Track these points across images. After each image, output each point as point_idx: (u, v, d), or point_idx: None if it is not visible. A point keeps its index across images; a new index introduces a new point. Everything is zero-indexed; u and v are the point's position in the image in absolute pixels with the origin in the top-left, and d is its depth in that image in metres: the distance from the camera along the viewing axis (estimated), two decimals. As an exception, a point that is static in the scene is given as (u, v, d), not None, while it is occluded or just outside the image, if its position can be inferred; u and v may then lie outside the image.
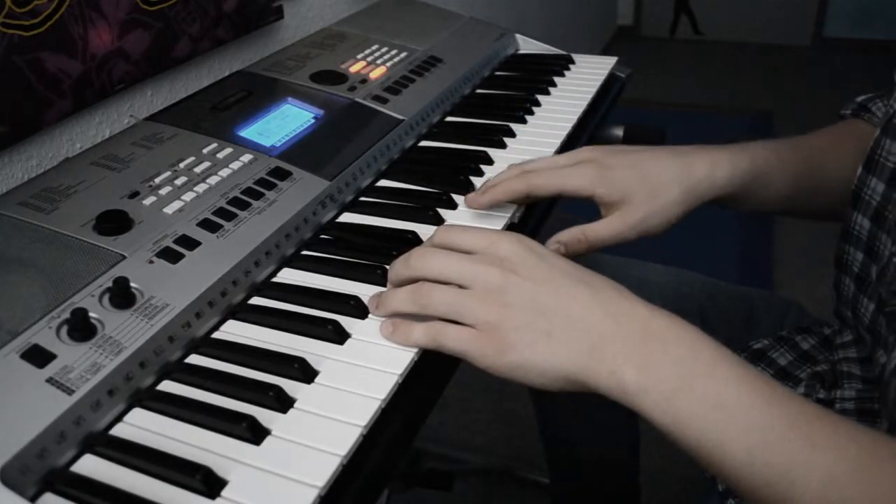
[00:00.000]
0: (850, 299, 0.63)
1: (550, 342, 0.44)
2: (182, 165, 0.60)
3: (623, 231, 0.58)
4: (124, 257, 0.50)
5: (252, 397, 0.44)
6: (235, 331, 0.50)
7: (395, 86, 0.79)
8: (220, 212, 0.55)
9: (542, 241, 0.51)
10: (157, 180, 0.57)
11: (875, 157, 0.59)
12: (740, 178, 0.60)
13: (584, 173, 0.58)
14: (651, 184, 0.58)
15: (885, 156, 0.58)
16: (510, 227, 0.62)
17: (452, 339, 0.46)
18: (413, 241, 0.58)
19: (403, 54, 0.86)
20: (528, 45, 1.01)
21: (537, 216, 0.65)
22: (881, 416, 0.55)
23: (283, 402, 0.43)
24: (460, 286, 0.47)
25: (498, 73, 0.94)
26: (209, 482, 0.38)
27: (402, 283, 0.50)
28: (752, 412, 0.40)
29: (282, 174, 0.61)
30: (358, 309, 0.51)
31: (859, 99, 0.69)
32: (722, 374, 0.41)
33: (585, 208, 0.60)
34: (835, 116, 0.71)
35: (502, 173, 0.62)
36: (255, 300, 0.53)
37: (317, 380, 0.45)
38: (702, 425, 0.41)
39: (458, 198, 0.64)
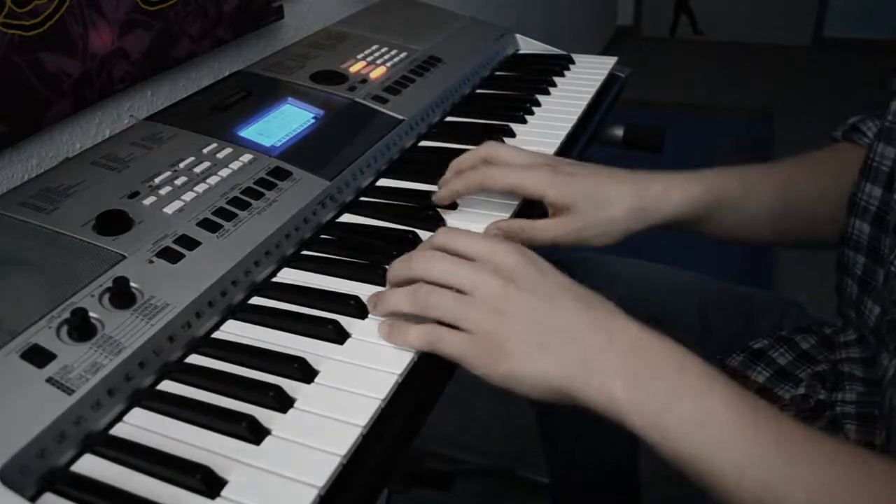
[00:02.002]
0: (854, 301, 0.63)
1: (544, 354, 0.45)
2: (182, 165, 0.60)
3: (559, 235, 0.59)
4: (124, 257, 0.50)
5: (252, 397, 0.44)
6: (235, 331, 0.50)
7: (395, 86, 0.79)
8: (220, 212, 0.55)
9: (540, 252, 0.51)
10: (157, 180, 0.57)
11: (869, 163, 0.59)
12: (692, 203, 0.61)
13: (540, 176, 0.59)
14: (599, 197, 0.59)
15: (878, 160, 0.58)
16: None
17: (449, 344, 0.46)
18: (413, 241, 0.58)
19: (403, 54, 0.86)
20: (528, 45, 1.01)
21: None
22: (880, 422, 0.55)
23: (282, 402, 0.43)
24: (459, 291, 0.47)
25: (498, 73, 0.94)
26: (209, 482, 0.38)
27: (401, 284, 0.50)
28: (738, 431, 0.41)
29: (282, 174, 0.61)
30: (358, 309, 0.51)
31: (851, 120, 0.68)
32: (709, 392, 0.42)
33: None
34: (835, 116, 0.71)
35: (466, 157, 0.63)
36: (255, 300, 0.53)
37: (317, 380, 0.45)
38: (689, 441, 0.41)
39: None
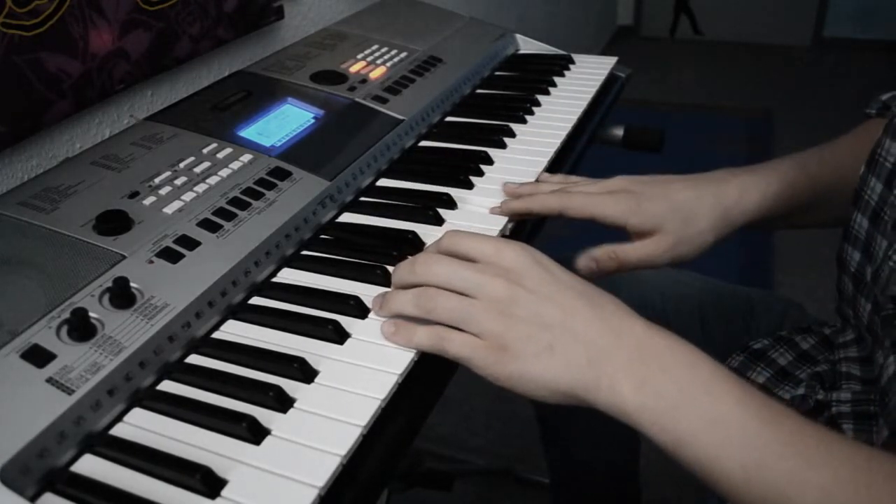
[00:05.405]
0: (850, 298, 0.63)
1: (552, 355, 0.44)
2: (182, 165, 0.60)
3: (654, 255, 0.60)
4: (124, 257, 0.50)
5: (252, 397, 0.44)
6: (235, 331, 0.50)
7: (395, 86, 0.79)
8: (220, 212, 0.55)
9: (539, 248, 0.51)
10: (157, 180, 0.57)
11: (875, 157, 0.59)
12: (771, 201, 0.61)
13: (619, 203, 0.60)
14: (683, 214, 0.60)
15: (884, 155, 0.58)
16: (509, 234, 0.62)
17: (456, 346, 0.46)
18: (413, 240, 0.58)
19: (403, 54, 0.86)
20: (528, 45, 1.01)
21: (533, 222, 0.65)
22: (878, 419, 0.55)
23: (282, 402, 0.43)
24: (464, 294, 0.47)
25: (498, 73, 0.94)
26: (209, 482, 0.38)
27: (405, 288, 0.50)
28: (748, 430, 0.40)
29: (282, 174, 0.61)
30: (358, 309, 0.51)
31: (884, 97, 0.68)
32: (719, 391, 0.42)
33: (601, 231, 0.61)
34: (835, 116, 0.71)
35: (540, 185, 0.64)
36: (255, 300, 0.53)
37: (317, 380, 0.45)
38: (698, 442, 0.41)
39: (458, 197, 0.64)
